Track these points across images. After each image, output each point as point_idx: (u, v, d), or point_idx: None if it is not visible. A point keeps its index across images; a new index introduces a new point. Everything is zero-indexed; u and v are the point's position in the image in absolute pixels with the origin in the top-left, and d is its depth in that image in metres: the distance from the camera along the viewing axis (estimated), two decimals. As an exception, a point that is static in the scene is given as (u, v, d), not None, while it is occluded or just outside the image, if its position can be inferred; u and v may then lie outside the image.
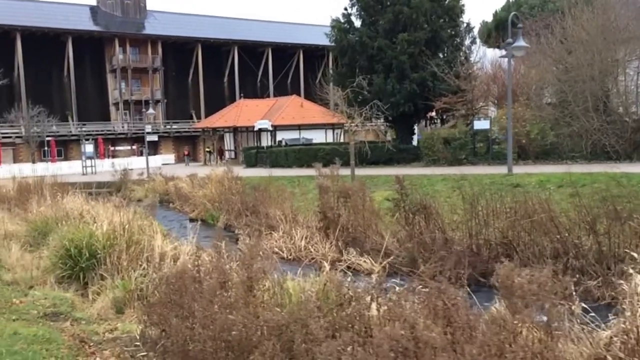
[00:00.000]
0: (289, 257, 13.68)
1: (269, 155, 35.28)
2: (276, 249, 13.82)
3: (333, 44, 29.92)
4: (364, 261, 12.04)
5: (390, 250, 12.65)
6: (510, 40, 16.22)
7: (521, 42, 15.97)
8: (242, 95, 51.26)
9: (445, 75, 24.66)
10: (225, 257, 6.90)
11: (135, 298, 8.59)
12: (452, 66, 25.57)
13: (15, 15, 48.68)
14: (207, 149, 47.48)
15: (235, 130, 45.30)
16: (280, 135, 41.10)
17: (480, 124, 23.13)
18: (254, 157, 36.81)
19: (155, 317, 6.97)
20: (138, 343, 6.70)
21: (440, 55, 28.26)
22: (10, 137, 48.08)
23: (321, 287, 6.01)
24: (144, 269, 9.30)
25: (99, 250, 10.07)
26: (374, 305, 5.46)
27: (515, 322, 4.31)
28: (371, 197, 13.93)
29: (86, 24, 55.58)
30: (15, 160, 47.71)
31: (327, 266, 9.40)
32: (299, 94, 53.84)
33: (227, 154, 46.87)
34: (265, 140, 41.96)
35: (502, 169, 18.99)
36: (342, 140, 44.46)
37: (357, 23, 29.47)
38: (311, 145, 33.84)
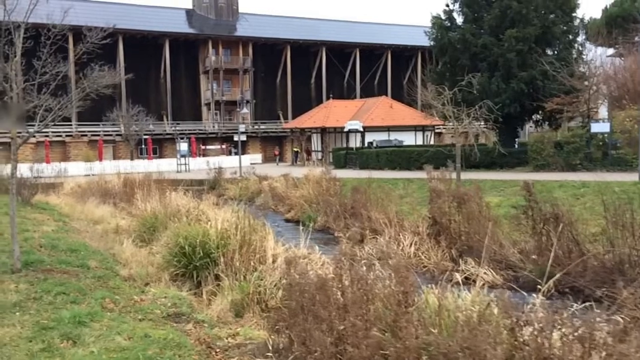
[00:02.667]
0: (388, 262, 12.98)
1: (359, 156, 34.73)
2: (382, 255, 13.16)
3: (432, 42, 28.86)
4: (485, 273, 11.10)
5: (512, 262, 11.67)
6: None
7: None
8: (331, 95, 51.10)
9: (559, 74, 22.92)
10: (363, 266, 6.29)
11: (255, 302, 8.25)
12: (564, 64, 23.77)
13: (118, 19, 51.24)
14: (295, 149, 47.70)
15: (323, 130, 45.14)
16: (369, 137, 40.42)
17: (599, 127, 21.25)
18: (343, 158, 36.40)
19: (284, 326, 6.50)
20: (269, 354, 6.25)
21: (550, 52, 26.41)
22: (111, 135, 50.75)
23: (483, 306, 5.26)
24: (260, 271, 8.95)
25: (212, 250, 9.87)
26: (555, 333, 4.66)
27: None
28: (487, 203, 12.93)
29: (182, 27, 57.67)
30: (115, 156, 50.27)
31: (458, 278, 8.59)
32: (386, 95, 52.91)
33: (314, 155, 46.85)
34: (354, 142, 41.43)
35: (625, 176, 17.28)
36: (432, 143, 43.17)
37: (459, 20, 28.29)
38: (405, 147, 32.90)
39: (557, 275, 5.72)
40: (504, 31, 25.36)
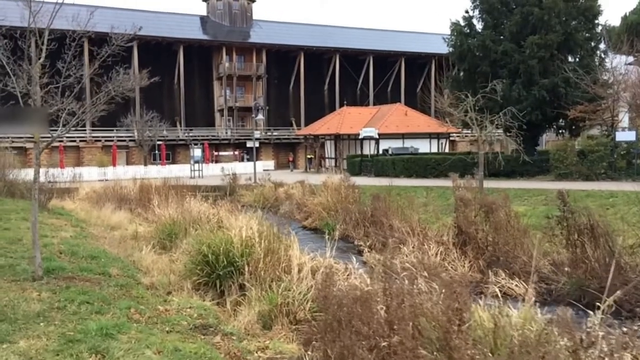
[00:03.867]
0: (423, 274, 12.59)
1: (374, 164, 34.40)
2: (407, 265, 12.81)
3: (451, 48, 28.53)
4: (516, 285, 10.73)
5: (544, 274, 11.28)
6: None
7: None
8: (345, 102, 50.87)
9: (582, 81, 22.47)
10: (405, 279, 5.97)
11: (283, 313, 7.95)
12: (587, 71, 23.33)
13: (133, 25, 51.41)
14: (309, 156, 47.47)
15: (337, 137, 44.88)
16: (384, 144, 40.09)
17: (624, 135, 20.81)
18: (358, 166, 36.07)
19: (319, 341, 6.19)
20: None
21: (571, 59, 25.99)
22: (124, 140, 50.83)
23: (538, 324, 4.92)
24: (288, 281, 8.66)
25: (236, 258, 9.60)
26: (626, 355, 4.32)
27: None
28: (516, 213, 12.56)
29: (196, 34, 57.77)
30: (128, 162, 50.30)
31: (497, 291, 8.25)
32: (399, 103, 52.58)
33: (327, 162, 46.58)
34: (368, 149, 41.12)
35: (654, 186, 16.75)
36: (447, 150, 42.78)
37: (479, 26, 27.95)
38: (421, 155, 32.52)
39: (618, 293, 5.33)
40: (525, 38, 24.98)
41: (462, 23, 28.23)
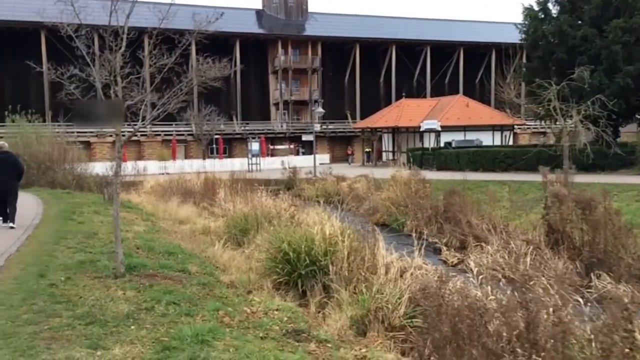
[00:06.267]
0: (510, 277, 11.71)
1: (437, 157, 33.32)
2: (494, 266, 11.94)
3: (523, 35, 27.07)
4: (624, 291, 9.70)
5: (653, 278, 10.21)
6: None
7: None
8: (403, 94, 49.71)
9: (672, 68, 20.73)
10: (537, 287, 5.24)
11: (378, 319, 7.34)
12: (676, 57, 21.54)
13: (190, 20, 51.92)
14: (367, 150, 46.71)
15: (395, 130, 43.91)
16: (445, 137, 38.84)
17: None
18: (419, 159, 35.04)
19: (436, 356, 5.55)
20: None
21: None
22: (183, 134, 51.49)
23: None
24: (380, 283, 8.04)
25: (319, 257, 9.07)
26: None
27: None
28: (617, 211, 11.47)
29: (252, 28, 57.85)
30: (186, 156, 50.94)
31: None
32: (457, 94, 50.94)
33: (384, 155, 45.69)
34: (428, 142, 39.97)
35: None
36: (510, 143, 41.06)
37: (554, 11, 26.39)
38: (488, 148, 31.18)
39: None
40: (607, 22, 23.30)
41: (536, 8, 26.71)
